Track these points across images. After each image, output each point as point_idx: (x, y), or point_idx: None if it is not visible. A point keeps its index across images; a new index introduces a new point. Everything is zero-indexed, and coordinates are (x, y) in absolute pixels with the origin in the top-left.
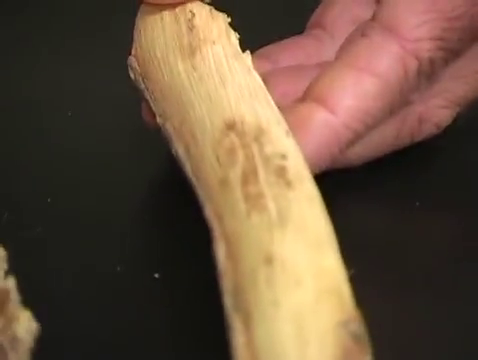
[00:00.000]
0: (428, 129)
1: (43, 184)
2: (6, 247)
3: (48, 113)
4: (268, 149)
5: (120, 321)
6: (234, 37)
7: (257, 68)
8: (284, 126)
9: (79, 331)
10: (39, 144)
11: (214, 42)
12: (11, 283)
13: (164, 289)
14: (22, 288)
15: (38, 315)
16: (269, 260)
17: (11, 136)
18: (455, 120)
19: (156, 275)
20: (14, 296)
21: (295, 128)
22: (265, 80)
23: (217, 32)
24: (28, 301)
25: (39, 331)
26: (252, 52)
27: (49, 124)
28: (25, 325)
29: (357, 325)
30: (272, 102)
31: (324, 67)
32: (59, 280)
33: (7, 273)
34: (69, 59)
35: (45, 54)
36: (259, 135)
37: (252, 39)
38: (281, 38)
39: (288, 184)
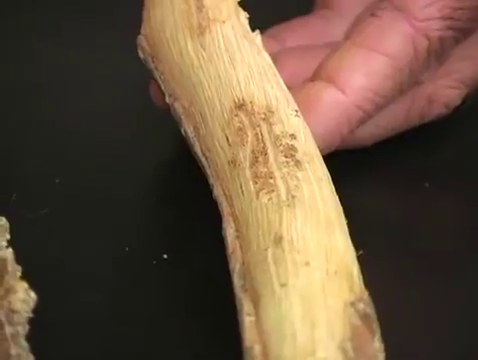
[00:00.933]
0: (437, 109)
1: (51, 165)
2: (14, 228)
3: (56, 94)
4: (277, 129)
5: (128, 302)
6: (243, 16)
7: (265, 48)
8: (293, 106)
9: (86, 313)
10: (48, 126)
11: (224, 22)
12: (9, 254)
13: (173, 270)
14: (29, 269)
15: (45, 296)
16: (278, 240)
17: (19, 118)
18: (464, 101)
19: (165, 256)
20: (12, 267)
21: (305, 108)
22: (273, 60)
23: (226, 12)
24: (35, 282)
25: (45, 312)
26: (261, 32)
27: (57, 106)
28: (22, 296)
29: (366, 305)
30: (281, 82)
31: (333, 47)
32: (67, 261)
33: (8, 244)
34: (72, 39)
35: (50, 35)
36: (268, 115)
37: (261, 19)
38: (289, 18)
39: (297, 164)
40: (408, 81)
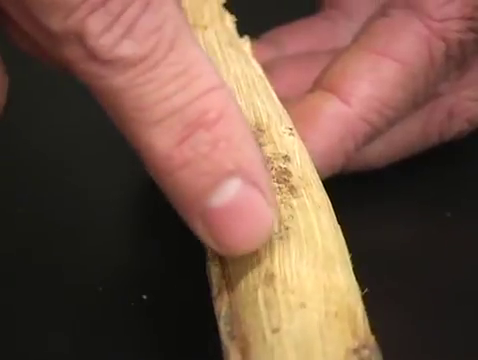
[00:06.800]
0: (459, 125)
1: (27, 194)
2: None
3: (41, 109)
4: (268, 150)
5: (101, 351)
6: (229, 20)
7: (260, 55)
8: (287, 122)
9: (56, 358)
10: (24, 144)
11: (206, 27)
12: None
13: (153, 313)
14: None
15: (12, 336)
16: (269, 279)
17: None
18: None
19: (144, 296)
20: None
21: (303, 122)
22: (269, 69)
23: (209, 15)
24: (7, 325)
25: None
26: (256, 37)
27: (37, 123)
28: None
29: (371, 352)
30: (274, 95)
31: (338, 52)
32: (39, 301)
33: None
34: None
35: None
36: (258, 134)
37: (254, 22)
38: (291, 20)
39: (291, 190)
40: (423, 91)
